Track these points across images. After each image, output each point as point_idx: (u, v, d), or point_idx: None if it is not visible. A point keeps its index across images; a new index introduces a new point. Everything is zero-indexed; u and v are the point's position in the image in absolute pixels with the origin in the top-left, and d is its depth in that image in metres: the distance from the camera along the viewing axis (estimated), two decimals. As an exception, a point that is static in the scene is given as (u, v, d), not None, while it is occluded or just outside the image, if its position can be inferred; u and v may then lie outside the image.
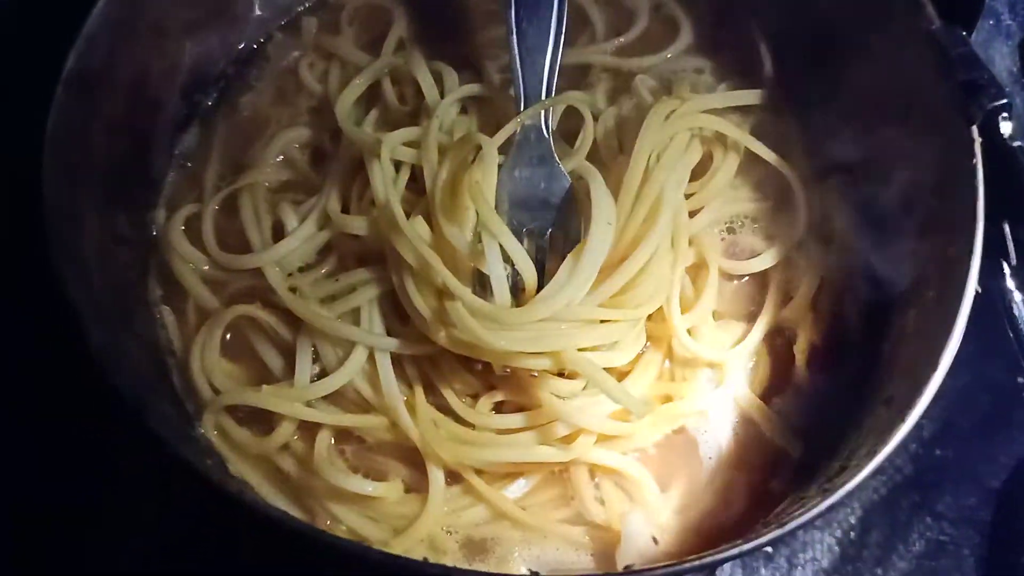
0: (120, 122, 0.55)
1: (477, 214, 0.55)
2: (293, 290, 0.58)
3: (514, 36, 0.57)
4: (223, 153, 0.63)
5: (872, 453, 0.42)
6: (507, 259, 0.54)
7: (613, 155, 0.60)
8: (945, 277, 0.47)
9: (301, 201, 0.61)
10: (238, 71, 0.65)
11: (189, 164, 0.63)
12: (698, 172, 0.59)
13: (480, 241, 0.54)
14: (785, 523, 0.44)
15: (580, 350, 0.53)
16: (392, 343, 0.56)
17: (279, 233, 0.60)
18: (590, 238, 0.53)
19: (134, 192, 0.59)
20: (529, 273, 0.54)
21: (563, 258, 0.56)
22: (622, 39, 0.66)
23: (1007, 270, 0.46)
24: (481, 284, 0.55)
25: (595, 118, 0.60)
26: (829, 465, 0.49)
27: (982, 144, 0.46)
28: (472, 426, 0.55)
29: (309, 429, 0.56)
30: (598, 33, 0.66)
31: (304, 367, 0.56)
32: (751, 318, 0.58)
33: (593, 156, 0.59)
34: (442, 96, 0.61)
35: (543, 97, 0.58)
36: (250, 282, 0.59)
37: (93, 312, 0.48)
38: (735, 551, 0.44)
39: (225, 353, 0.58)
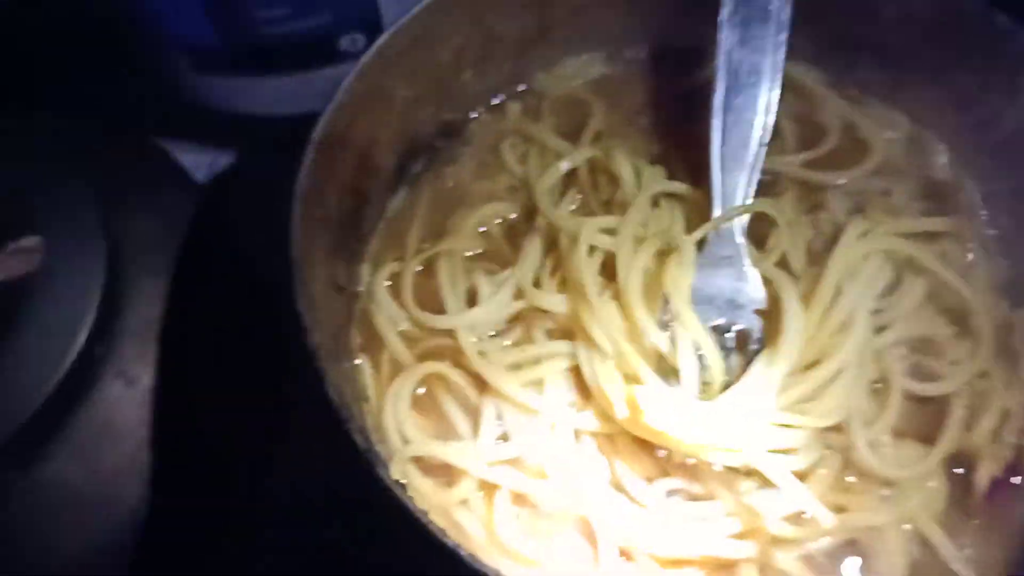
0: (349, 183, 0.61)
1: (668, 306, 0.59)
2: (482, 354, 0.62)
3: (716, 141, 0.61)
4: (426, 218, 0.68)
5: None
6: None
7: (800, 265, 0.62)
8: None
9: (494, 272, 0.65)
10: (446, 144, 0.71)
11: (395, 225, 0.68)
12: (885, 290, 0.61)
13: (667, 331, 0.58)
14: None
15: (761, 451, 0.55)
16: (575, 417, 0.59)
17: (472, 298, 0.64)
18: (781, 343, 0.56)
19: (350, 246, 0.64)
20: (717, 367, 0.57)
21: (745, 357, 0.59)
22: (812, 153, 0.69)
23: None
24: (663, 376, 0.58)
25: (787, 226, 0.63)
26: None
27: None
28: (644, 507, 0.57)
29: (488, 489, 0.59)
30: (787, 145, 0.69)
31: (488, 429, 0.59)
32: (930, 440, 0.59)
33: (782, 264, 0.62)
34: (639, 188, 0.65)
35: (739, 200, 0.61)
36: (442, 342, 0.63)
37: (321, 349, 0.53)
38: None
39: (414, 406, 0.62)
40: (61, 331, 0.62)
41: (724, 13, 0.62)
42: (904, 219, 0.64)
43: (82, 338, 0.62)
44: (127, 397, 0.66)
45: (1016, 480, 0.57)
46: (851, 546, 0.57)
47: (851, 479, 0.58)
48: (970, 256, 0.64)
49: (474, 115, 0.72)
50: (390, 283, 0.65)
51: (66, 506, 0.63)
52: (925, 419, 0.60)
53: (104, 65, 0.81)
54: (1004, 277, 0.63)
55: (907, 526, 0.57)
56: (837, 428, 0.58)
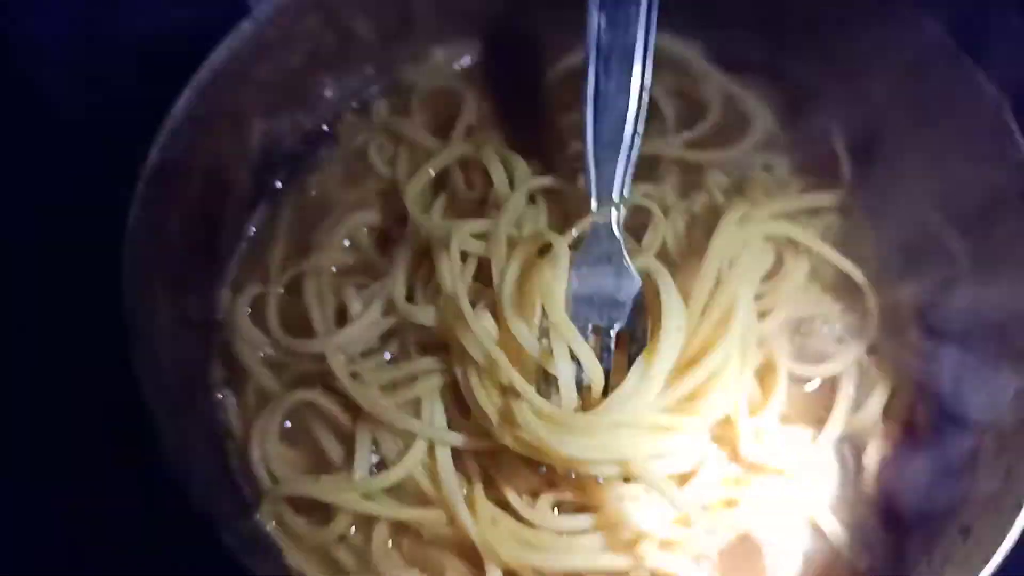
0: (194, 208, 0.57)
1: (544, 312, 0.56)
2: (354, 375, 0.58)
3: (589, 131, 0.58)
4: (289, 234, 0.64)
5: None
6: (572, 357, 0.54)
7: (682, 254, 0.60)
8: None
9: (365, 285, 0.61)
10: (307, 151, 0.67)
11: (256, 246, 0.64)
12: (768, 272, 0.59)
13: (546, 338, 0.55)
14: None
15: (643, 455, 0.53)
16: (454, 437, 0.56)
17: (342, 317, 0.61)
18: (660, 344, 0.53)
19: (201, 275, 0.60)
20: (596, 375, 0.54)
21: (628, 357, 0.57)
22: (693, 132, 0.66)
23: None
24: (545, 380, 0.55)
25: (664, 214, 0.61)
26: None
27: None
28: (532, 525, 0.55)
29: (367, 521, 0.56)
30: (668, 124, 0.67)
31: (363, 458, 0.57)
32: (820, 424, 0.57)
33: (661, 254, 0.60)
34: (511, 185, 0.62)
35: (616, 195, 0.58)
36: (312, 366, 0.60)
37: (163, 400, 0.49)
38: None
39: (284, 438, 0.59)
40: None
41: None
42: (785, 197, 0.62)
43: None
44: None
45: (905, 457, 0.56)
46: (743, 541, 0.56)
47: (740, 472, 0.57)
48: (855, 229, 0.62)
49: (337, 118, 0.68)
50: (251, 309, 0.61)
51: None
52: (814, 402, 0.59)
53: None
54: (889, 248, 0.61)
55: (799, 515, 0.56)
56: (726, 420, 0.56)
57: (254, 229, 0.64)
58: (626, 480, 0.54)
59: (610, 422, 0.52)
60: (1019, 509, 0.43)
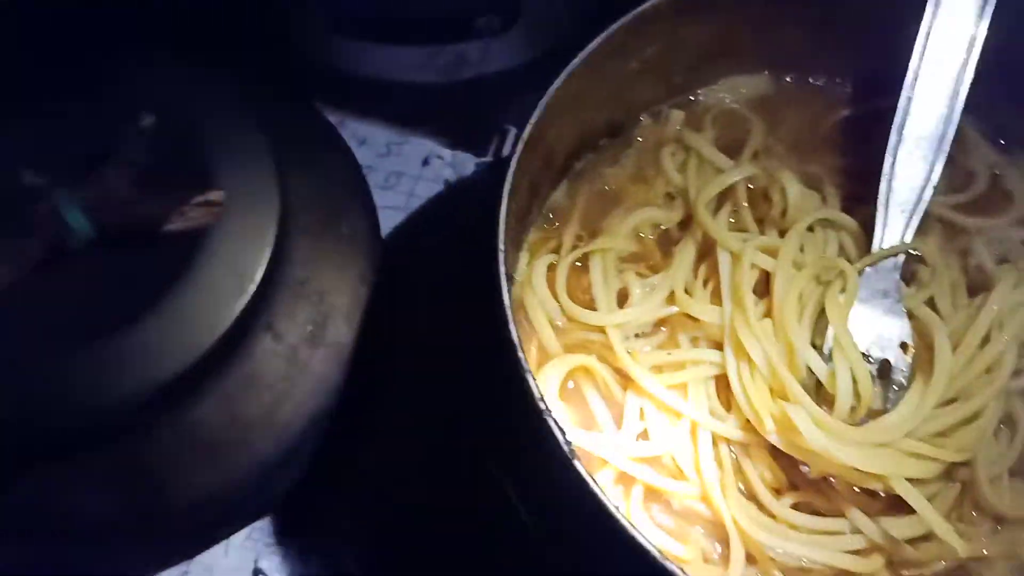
0: (533, 179, 0.66)
1: (817, 329, 0.65)
2: (629, 352, 0.67)
3: (887, 179, 0.66)
4: (583, 215, 0.73)
5: None
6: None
7: (947, 306, 0.68)
8: None
9: (644, 275, 0.71)
10: (609, 144, 0.76)
11: (553, 218, 0.73)
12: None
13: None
14: None
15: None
16: (717, 424, 0.65)
17: (621, 298, 0.70)
18: (933, 381, 0.61)
19: (516, 237, 0.69)
20: (867, 394, 0.62)
21: (883, 387, 0.65)
22: (960, 196, 0.74)
23: None
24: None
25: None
26: None
27: None
28: (774, 517, 0.63)
29: (624, 482, 0.65)
30: (937, 186, 0.74)
31: (631, 425, 0.65)
32: (1051, 484, 0.65)
33: (928, 304, 0.67)
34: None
35: (898, 236, 0.67)
36: (589, 336, 0.68)
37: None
38: None
39: (560, 395, 0.67)
40: (230, 285, 0.67)
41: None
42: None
43: (250, 292, 0.67)
44: (273, 351, 0.72)
45: None
46: (960, 572, 0.63)
47: (965, 511, 0.64)
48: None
49: (639, 119, 0.76)
50: (546, 274, 0.70)
51: (204, 449, 0.69)
52: (1043, 460, 0.66)
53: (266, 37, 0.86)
54: None
55: (1014, 562, 0.64)
56: (963, 462, 0.64)
57: (553, 206, 0.74)
58: (870, 494, 0.62)
59: (881, 439, 0.60)
60: None
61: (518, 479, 0.64)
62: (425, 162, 0.87)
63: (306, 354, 0.69)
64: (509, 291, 0.56)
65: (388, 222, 0.82)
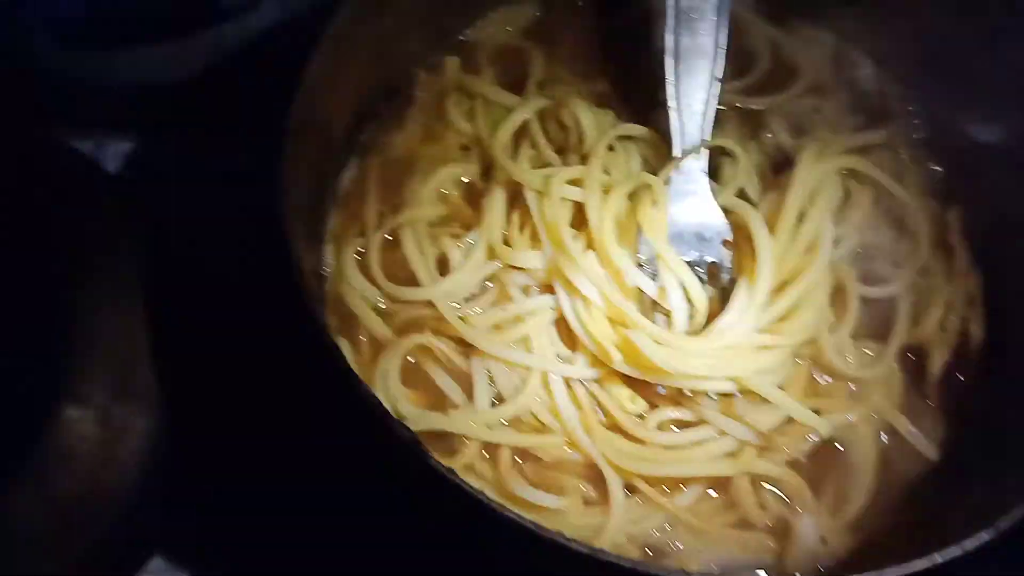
0: (313, 164, 0.62)
1: (641, 248, 0.64)
2: (463, 319, 0.65)
3: (673, 82, 0.66)
4: (380, 190, 0.69)
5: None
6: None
7: (756, 193, 0.69)
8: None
9: (459, 235, 0.68)
10: (389, 108, 0.72)
11: (350, 200, 0.69)
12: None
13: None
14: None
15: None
16: (567, 368, 0.63)
17: (442, 265, 0.67)
18: (758, 272, 0.62)
19: (315, 230, 0.65)
20: (702, 302, 0.63)
21: (718, 287, 0.65)
22: (746, 80, 0.74)
23: None
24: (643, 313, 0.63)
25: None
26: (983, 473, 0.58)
27: None
28: (643, 442, 0.63)
29: (490, 450, 0.63)
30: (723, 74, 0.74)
31: (482, 392, 0.63)
32: (885, 338, 0.67)
33: (739, 194, 0.68)
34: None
35: (698, 139, 0.66)
36: (419, 312, 0.66)
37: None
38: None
39: (403, 382, 0.64)
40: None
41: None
42: (847, 135, 0.71)
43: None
44: (78, 419, 0.66)
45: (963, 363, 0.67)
46: (827, 444, 0.65)
47: (822, 381, 0.66)
48: (901, 162, 0.72)
49: (414, 75, 0.73)
50: (357, 260, 0.67)
51: (26, 541, 0.63)
52: (877, 319, 0.68)
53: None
54: (933, 179, 0.72)
55: (874, 418, 0.66)
56: (807, 339, 0.65)
57: (346, 187, 0.70)
58: (727, 395, 0.63)
59: (721, 344, 0.61)
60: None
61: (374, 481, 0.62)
62: (193, 163, 0.80)
63: (118, 411, 0.63)
64: (318, 295, 0.52)
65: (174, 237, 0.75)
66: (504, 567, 0.59)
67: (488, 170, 0.70)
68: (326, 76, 0.59)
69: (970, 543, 0.50)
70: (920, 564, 0.49)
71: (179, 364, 0.65)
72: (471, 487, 0.49)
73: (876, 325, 0.68)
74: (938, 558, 0.49)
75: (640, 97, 0.72)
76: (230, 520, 0.68)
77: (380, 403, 0.52)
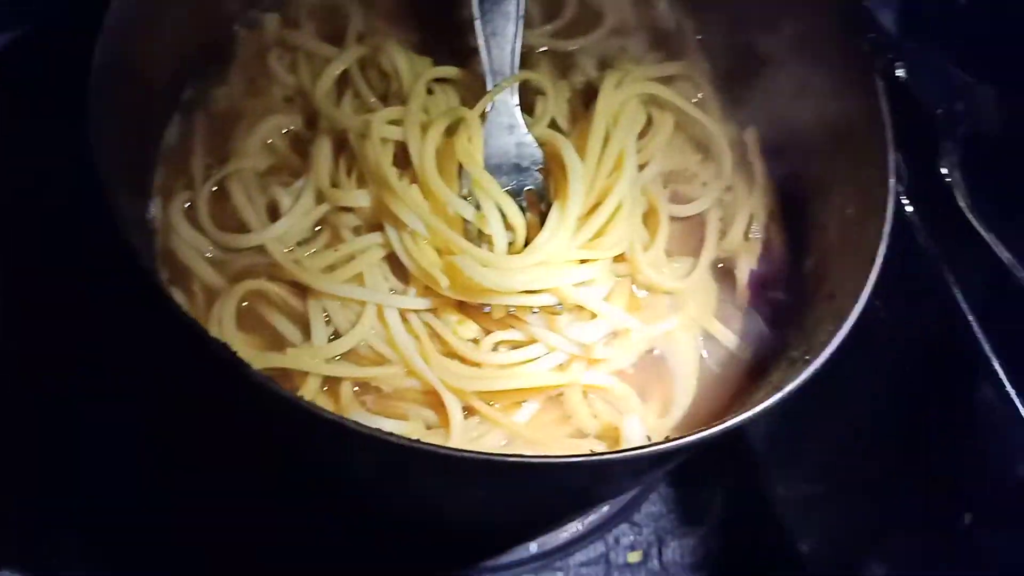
0: (131, 112, 0.62)
1: (463, 180, 0.68)
2: (296, 263, 0.67)
3: (479, 21, 0.69)
4: (206, 143, 0.71)
5: (832, 332, 0.57)
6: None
7: (566, 123, 0.73)
8: (864, 195, 0.64)
9: (288, 183, 0.70)
10: (211, 66, 0.73)
11: (176, 155, 0.70)
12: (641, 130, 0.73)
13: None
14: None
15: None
16: (400, 299, 0.66)
17: (273, 213, 0.69)
18: (568, 194, 0.66)
19: (136, 181, 0.66)
20: (520, 223, 0.66)
21: (539, 213, 0.69)
22: (555, 24, 0.80)
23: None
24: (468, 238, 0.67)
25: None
26: (786, 356, 0.64)
27: (884, 87, 0.64)
28: (478, 365, 0.66)
29: (331, 385, 0.65)
30: (534, 20, 0.79)
31: (319, 330, 0.65)
32: (696, 252, 0.72)
33: (551, 125, 0.72)
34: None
35: (508, 73, 0.70)
36: (252, 260, 0.67)
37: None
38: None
39: (239, 327, 0.66)
40: None
41: None
42: (649, 66, 0.77)
43: None
44: None
45: (768, 268, 0.73)
46: (650, 354, 0.70)
47: (640, 298, 0.71)
48: (700, 93, 0.78)
49: (235, 32, 0.74)
50: (185, 213, 0.68)
51: None
52: (689, 236, 0.74)
53: None
54: (730, 105, 0.78)
55: (692, 327, 0.71)
56: (621, 258, 0.70)
57: (171, 141, 0.71)
58: (554, 312, 0.67)
59: (539, 259, 0.64)
60: (872, 263, 0.59)
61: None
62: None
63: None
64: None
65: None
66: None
67: (313, 119, 0.72)
68: (135, 26, 0.60)
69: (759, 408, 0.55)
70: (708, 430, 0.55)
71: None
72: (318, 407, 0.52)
73: (688, 241, 0.74)
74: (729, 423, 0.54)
75: (455, 44, 0.76)
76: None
77: (216, 339, 0.53)
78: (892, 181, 0.61)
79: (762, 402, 0.56)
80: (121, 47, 0.59)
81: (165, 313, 0.54)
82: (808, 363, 0.57)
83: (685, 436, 0.54)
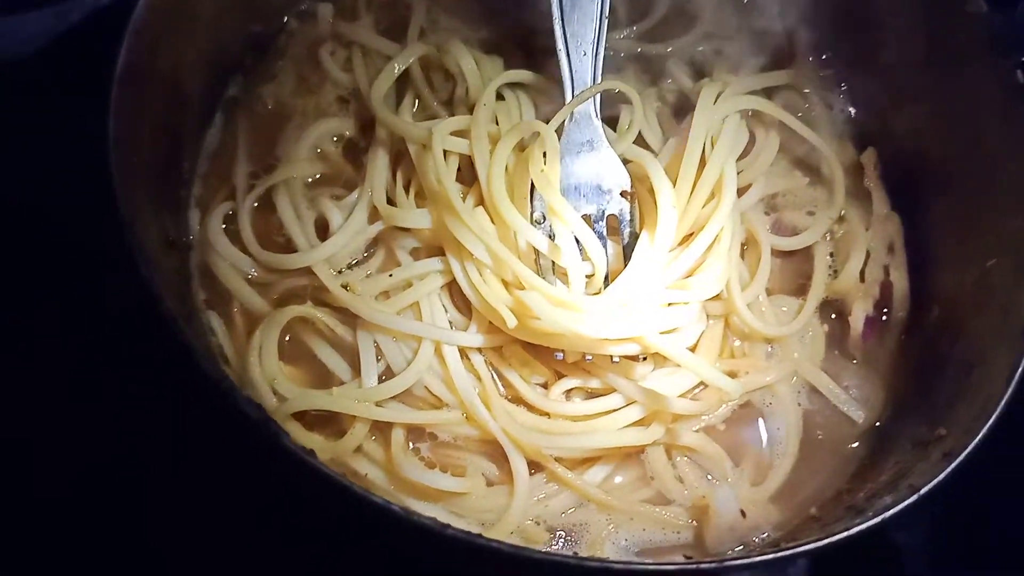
0: (160, 120, 0.58)
1: (535, 203, 0.62)
2: (345, 287, 0.62)
3: (560, 23, 0.63)
4: (250, 148, 0.66)
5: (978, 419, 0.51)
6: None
7: (657, 139, 0.67)
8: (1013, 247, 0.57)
9: (340, 196, 0.65)
10: (257, 60, 0.69)
11: (217, 162, 0.66)
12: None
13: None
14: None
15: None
16: (461, 336, 0.61)
17: (322, 229, 0.64)
18: (658, 224, 0.60)
19: (173, 193, 0.62)
20: (600, 259, 0.60)
21: (619, 242, 0.63)
22: (643, 24, 0.73)
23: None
24: (539, 273, 0.61)
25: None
26: (909, 427, 0.58)
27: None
28: (547, 415, 0.61)
29: (381, 429, 0.60)
30: (619, 20, 0.73)
31: (369, 367, 0.60)
32: (802, 292, 0.66)
33: (637, 140, 0.66)
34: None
35: (590, 83, 0.64)
36: (297, 282, 0.63)
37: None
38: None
39: (282, 357, 0.61)
40: None
41: None
42: (750, 76, 0.70)
43: None
44: None
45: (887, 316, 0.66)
46: (746, 409, 0.64)
47: (736, 344, 0.65)
48: (810, 104, 0.71)
49: (285, 23, 0.70)
50: (225, 227, 0.63)
51: None
52: (794, 272, 0.68)
53: None
54: (845, 120, 0.71)
55: (794, 379, 0.65)
56: (715, 296, 0.64)
57: (212, 145, 0.66)
58: (636, 359, 0.61)
59: (622, 301, 0.59)
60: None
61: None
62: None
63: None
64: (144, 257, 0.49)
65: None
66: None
67: (369, 125, 0.67)
68: (165, 22, 0.56)
69: (890, 510, 0.49)
70: (841, 533, 0.49)
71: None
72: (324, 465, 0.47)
73: (793, 279, 0.67)
74: (859, 526, 0.48)
75: (530, 43, 0.70)
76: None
77: (227, 377, 0.49)
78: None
79: (894, 501, 0.49)
80: (154, 47, 0.55)
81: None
82: (948, 456, 0.50)
83: (801, 543, 0.48)
